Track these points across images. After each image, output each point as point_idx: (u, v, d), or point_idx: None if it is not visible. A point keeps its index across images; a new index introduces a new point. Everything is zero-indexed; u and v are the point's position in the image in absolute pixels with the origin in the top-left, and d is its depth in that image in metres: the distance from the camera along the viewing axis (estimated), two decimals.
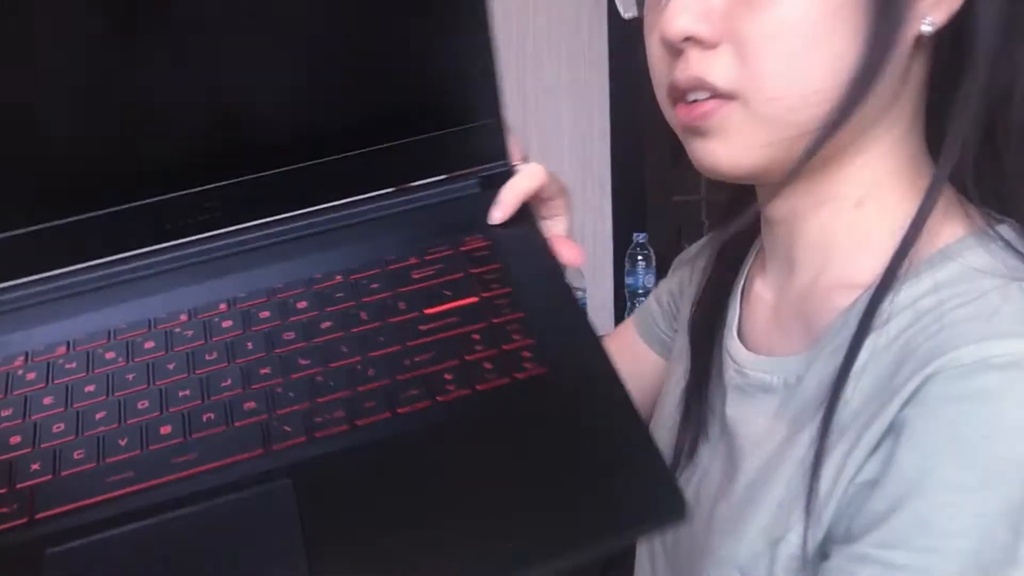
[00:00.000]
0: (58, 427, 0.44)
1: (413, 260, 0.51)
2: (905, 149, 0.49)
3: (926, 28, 0.44)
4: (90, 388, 0.45)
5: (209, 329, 0.48)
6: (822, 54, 0.44)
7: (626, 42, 1.91)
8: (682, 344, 0.64)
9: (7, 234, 0.49)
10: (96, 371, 0.46)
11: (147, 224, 0.51)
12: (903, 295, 0.46)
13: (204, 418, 0.43)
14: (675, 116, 0.50)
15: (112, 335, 0.48)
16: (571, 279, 0.51)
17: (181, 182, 0.51)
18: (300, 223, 0.54)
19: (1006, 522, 0.39)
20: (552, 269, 0.51)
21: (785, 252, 0.54)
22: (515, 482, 0.40)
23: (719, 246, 0.63)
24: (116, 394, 0.45)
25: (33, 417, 0.44)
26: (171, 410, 0.44)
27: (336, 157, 0.53)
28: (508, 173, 0.56)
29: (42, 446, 0.43)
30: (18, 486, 0.41)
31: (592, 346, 0.46)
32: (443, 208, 0.55)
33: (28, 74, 0.46)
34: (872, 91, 0.44)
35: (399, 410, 0.43)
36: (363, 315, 0.48)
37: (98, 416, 0.44)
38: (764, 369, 0.53)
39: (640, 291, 1.86)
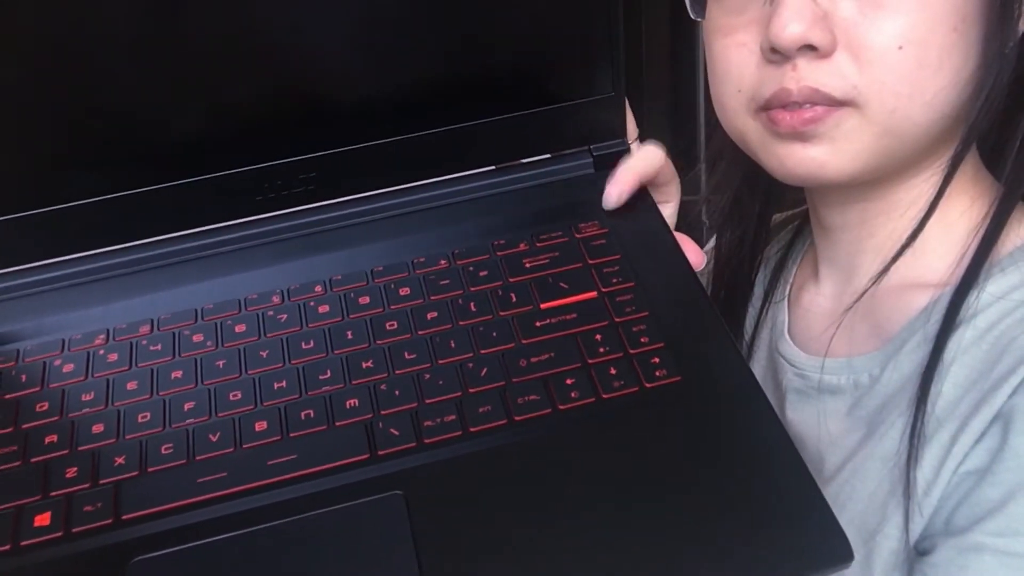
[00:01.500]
0: (143, 417, 0.40)
1: (523, 246, 0.46)
2: (970, 157, 0.49)
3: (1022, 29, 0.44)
4: (177, 374, 0.42)
5: (305, 313, 0.44)
6: (945, 67, 0.43)
7: (626, 42, 1.85)
8: None
9: (90, 200, 0.46)
10: (183, 355, 0.43)
11: (237, 195, 0.47)
12: (990, 289, 0.46)
13: (303, 415, 0.39)
14: (762, 124, 0.47)
15: (200, 315, 0.44)
16: None
17: (274, 151, 0.47)
18: (400, 200, 0.49)
19: None
20: (678, 261, 0.46)
21: (848, 258, 0.54)
22: (651, 509, 0.35)
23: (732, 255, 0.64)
24: (205, 382, 0.41)
25: (116, 404, 0.41)
26: (266, 404, 0.40)
27: (440, 129, 0.48)
28: (624, 153, 0.51)
29: (127, 437, 0.39)
30: (102, 482, 0.38)
31: (730, 352, 0.41)
32: (554, 189, 0.50)
33: (118, 34, 0.42)
34: (994, 104, 0.44)
35: (516, 418, 0.39)
36: (472, 306, 0.43)
37: (187, 407, 0.40)
38: (830, 371, 0.53)
39: None
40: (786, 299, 0.60)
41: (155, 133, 0.45)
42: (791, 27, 0.43)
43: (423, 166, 0.50)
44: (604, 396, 0.39)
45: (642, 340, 0.41)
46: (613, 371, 0.40)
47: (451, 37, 0.47)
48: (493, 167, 0.51)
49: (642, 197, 0.49)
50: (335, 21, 0.45)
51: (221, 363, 0.42)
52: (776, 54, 0.44)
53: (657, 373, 0.40)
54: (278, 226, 0.48)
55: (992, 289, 0.46)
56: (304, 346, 0.42)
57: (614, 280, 0.44)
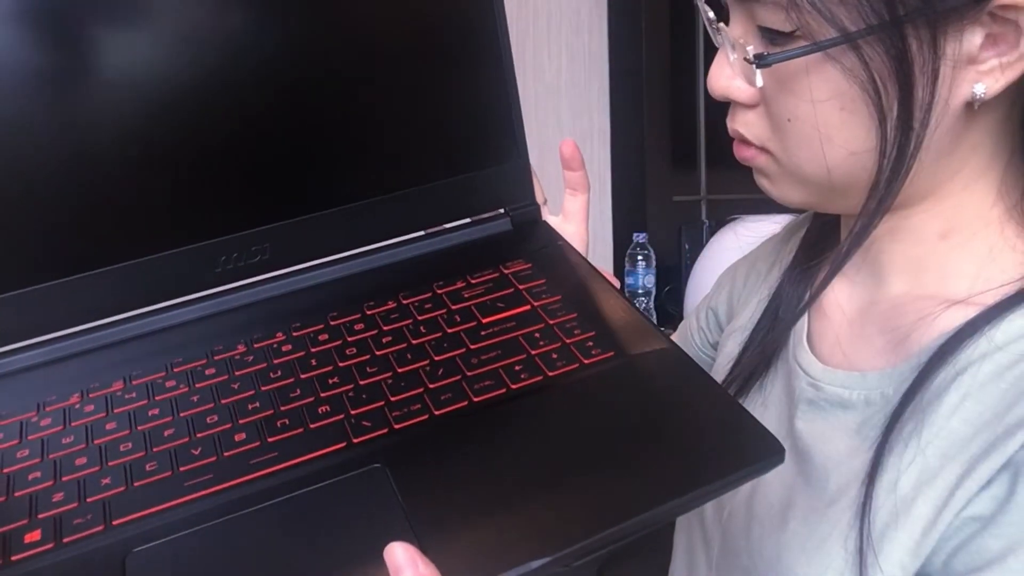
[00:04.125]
0: (125, 446, 0.42)
1: (460, 283, 0.52)
2: (990, 181, 0.48)
3: (979, 94, 0.43)
4: (154, 412, 0.44)
5: (270, 354, 0.48)
6: (837, 141, 0.45)
7: (626, 42, 1.94)
8: (731, 349, 0.62)
9: (35, 287, 0.48)
10: (157, 398, 0.45)
11: (195, 269, 0.51)
12: (1017, 324, 0.44)
13: (278, 424, 0.43)
14: None
15: (169, 367, 0.48)
16: None
17: (227, 227, 0.51)
18: (342, 265, 0.55)
19: None
20: (593, 276, 0.53)
21: (871, 267, 0.53)
22: (610, 447, 0.40)
23: (799, 249, 0.60)
24: (182, 414, 0.44)
25: (96, 441, 0.43)
26: (242, 421, 0.43)
27: (374, 200, 0.54)
28: (536, 211, 0.59)
29: (110, 463, 0.41)
30: (89, 500, 0.39)
31: (652, 332, 0.47)
32: (480, 245, 0.57)
33: (77, 118, 0.47)
34: (906, 172, 0.44)
35: (475, 399, 0.43)
36: (422, 328, 0.49)
37: (166, 433, 0.43)
38: (842, 384, 0.50)
39: (640, 291, 1.82)
40: (804, 296, 0.57)
41: (103, 216, 0.49)
42: (712, 82, 0.48)
43: (361, 235, 0.55)
44: (550, 374, 0.44)
45: (575, 332, 0.47)
46: (555, 356, 0.46)
47: (382, 125, 0.54)
48: (423, 232, 0.58)
49: (556, 241, 0.57)
50: (277, 107, 0.51)
51: (195, 398, 0.45)
52: None
53: (593, 352, 0.45)
54: (234, 296, 0.52)
55: (1020, 324, 0.43)
56: (272, 375, 0.46)
57: (543, 296, 0.51)
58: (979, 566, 0.40)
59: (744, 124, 0.49)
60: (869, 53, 0.42)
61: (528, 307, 0.50)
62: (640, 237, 1.84)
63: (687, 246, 1.91)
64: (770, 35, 0.44)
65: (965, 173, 0.47)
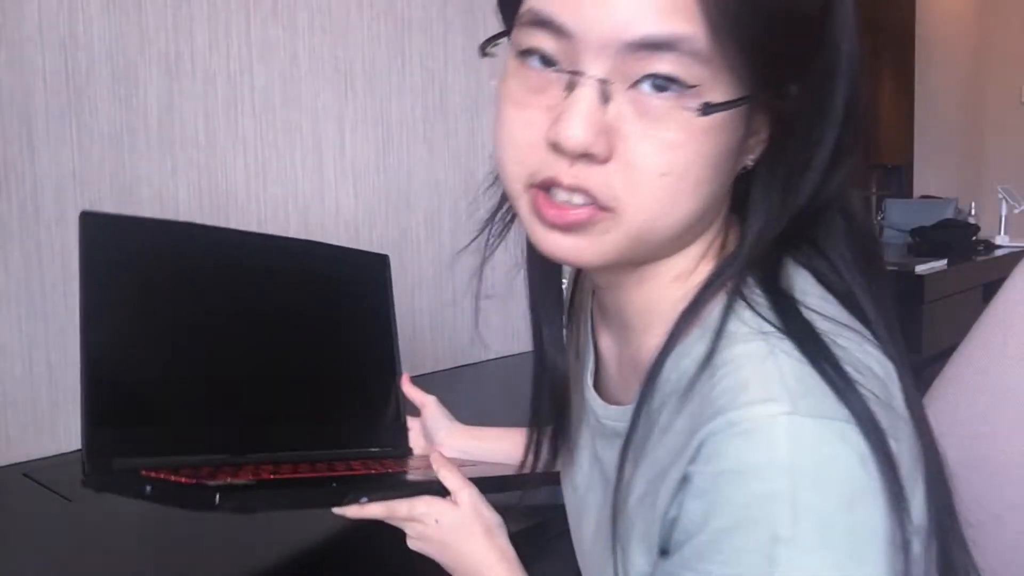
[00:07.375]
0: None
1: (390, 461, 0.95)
2: (717, 228, 0.54)
3: (749, 163, 0.51)
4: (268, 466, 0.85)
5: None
6: (697, 193, 0.48)
7: None
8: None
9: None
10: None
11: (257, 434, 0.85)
12: (684, 363, 0.51)
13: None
14: (530, 202, 0.50)
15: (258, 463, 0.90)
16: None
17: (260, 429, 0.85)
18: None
19: (760, 554, 0.45)
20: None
21: (616, 314, 0.59)
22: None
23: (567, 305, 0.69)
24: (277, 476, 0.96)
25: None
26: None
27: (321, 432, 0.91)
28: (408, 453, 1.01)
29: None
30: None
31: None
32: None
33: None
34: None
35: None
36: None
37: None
38: (613, 417, 0.60)
39: None
40: (590, 340, 0.66)
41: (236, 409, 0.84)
42: (576, 135, 0.45)
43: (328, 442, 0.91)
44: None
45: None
46: None
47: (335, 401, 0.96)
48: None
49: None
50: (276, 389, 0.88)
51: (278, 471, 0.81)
52: (558, 150, 0.47)
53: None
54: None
55: (687, 362, 0.50)
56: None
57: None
58: (674, 551, 0.50)
59: (596, 181, 0.47)
60: (768, 108, 0.49)
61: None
62: None
63: None
64: (661, 84, 0.45)
65: (708, 222, 0.54)
